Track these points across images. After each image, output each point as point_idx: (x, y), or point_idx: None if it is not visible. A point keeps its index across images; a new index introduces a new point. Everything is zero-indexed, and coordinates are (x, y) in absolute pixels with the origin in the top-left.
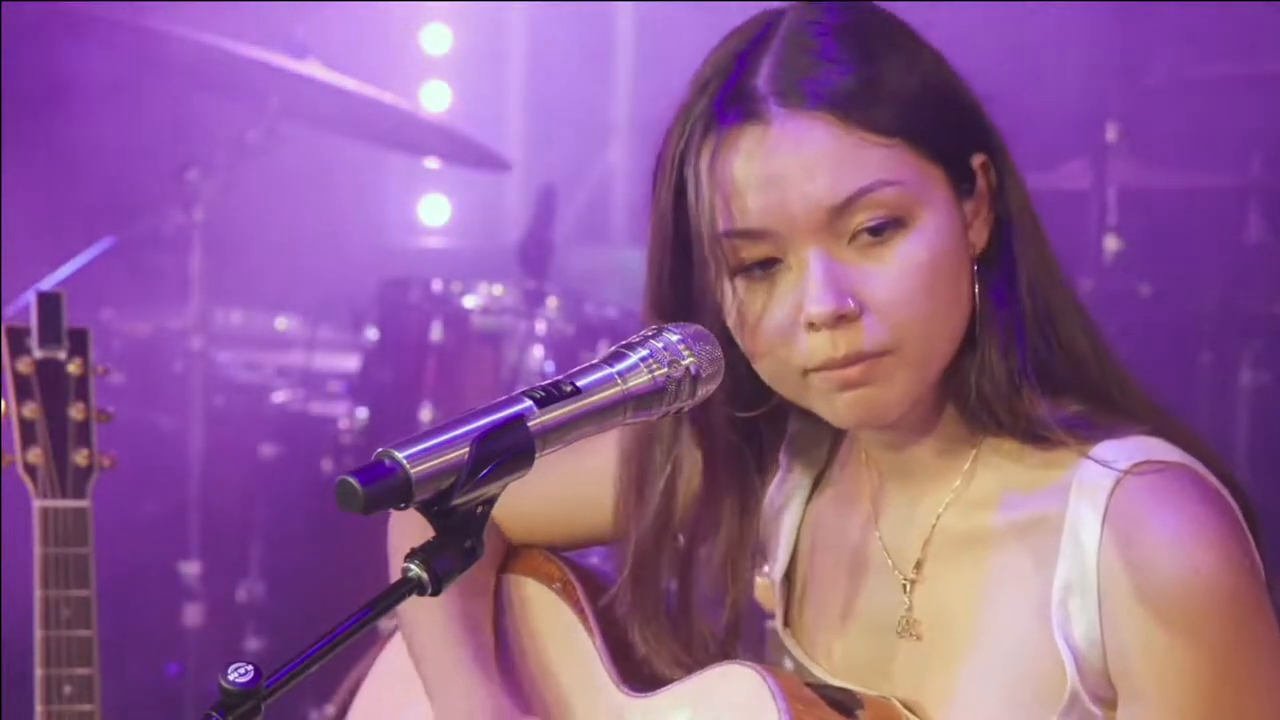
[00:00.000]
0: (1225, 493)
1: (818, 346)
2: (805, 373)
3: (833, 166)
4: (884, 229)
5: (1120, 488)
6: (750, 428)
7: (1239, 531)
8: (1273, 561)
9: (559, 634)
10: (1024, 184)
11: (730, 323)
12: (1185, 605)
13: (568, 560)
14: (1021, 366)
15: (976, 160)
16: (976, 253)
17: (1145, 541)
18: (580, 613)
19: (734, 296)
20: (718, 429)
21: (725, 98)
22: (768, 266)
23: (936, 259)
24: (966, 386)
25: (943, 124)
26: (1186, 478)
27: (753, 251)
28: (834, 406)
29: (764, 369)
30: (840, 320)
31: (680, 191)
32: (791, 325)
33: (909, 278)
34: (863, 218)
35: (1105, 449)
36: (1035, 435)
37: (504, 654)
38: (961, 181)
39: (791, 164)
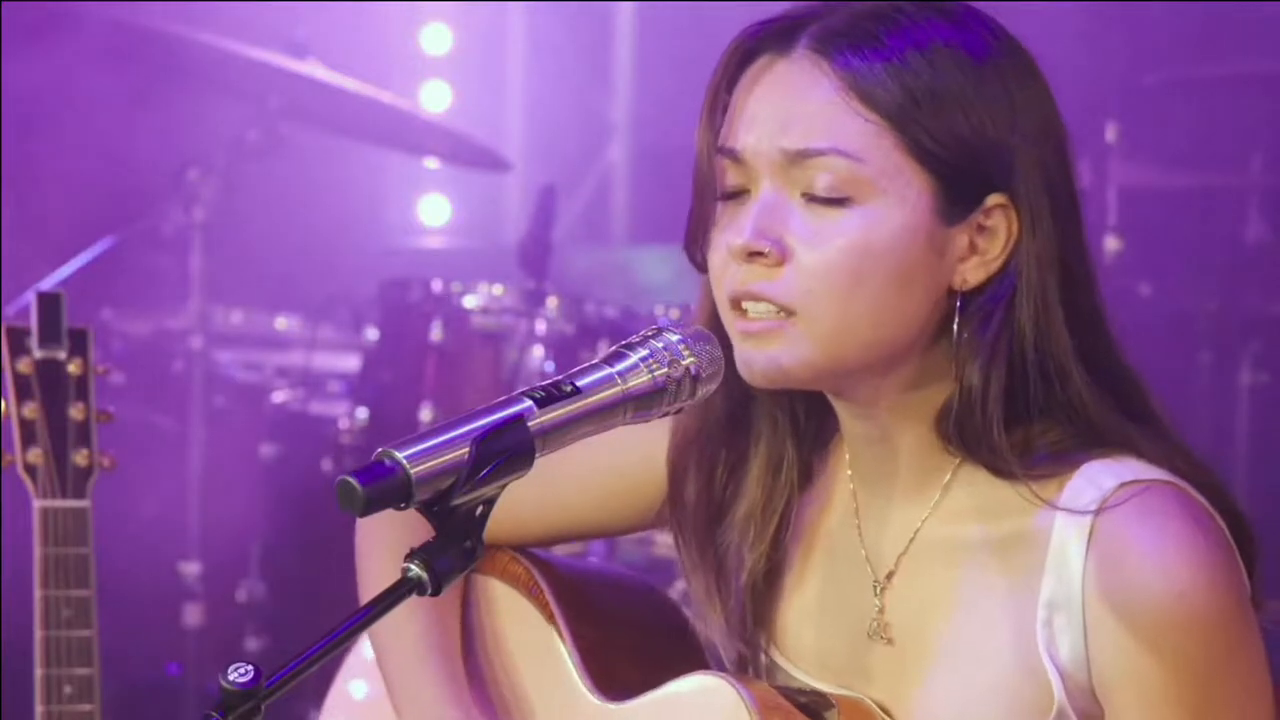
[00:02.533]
0: (1213, 511)
1: (730, 274)
2: (729, 309)
3: (808, 117)
4: (830, 195)
5: (1107, 506)
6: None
7: (1226, 552)
8: (1275, 568)
9: (528, 638)
10: (1055, 252)
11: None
12: (1169, 628)
13: (534, 559)
14: (998, 412)
15: (992, 199)
16: (961, 286)
17: (1130, 562)
18: (549, 616)
19: (714, 219)
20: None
21: (773, 29)
22: (738, 195)
23: (873, 249)
24: (947, 413)
25: (954, 140)
26: (1173, 496)
27: (730, 174)
28: (739, 357)
29: (716, 301)
30: (754, 257)
31: (712, 113)
32: (728, 256)
33: (832, 249)
34: (813, 175)
35: (1094, 468)
36: (1007, 474)
37: (471, 660)
38: (955, 205)
39: (781, 100)
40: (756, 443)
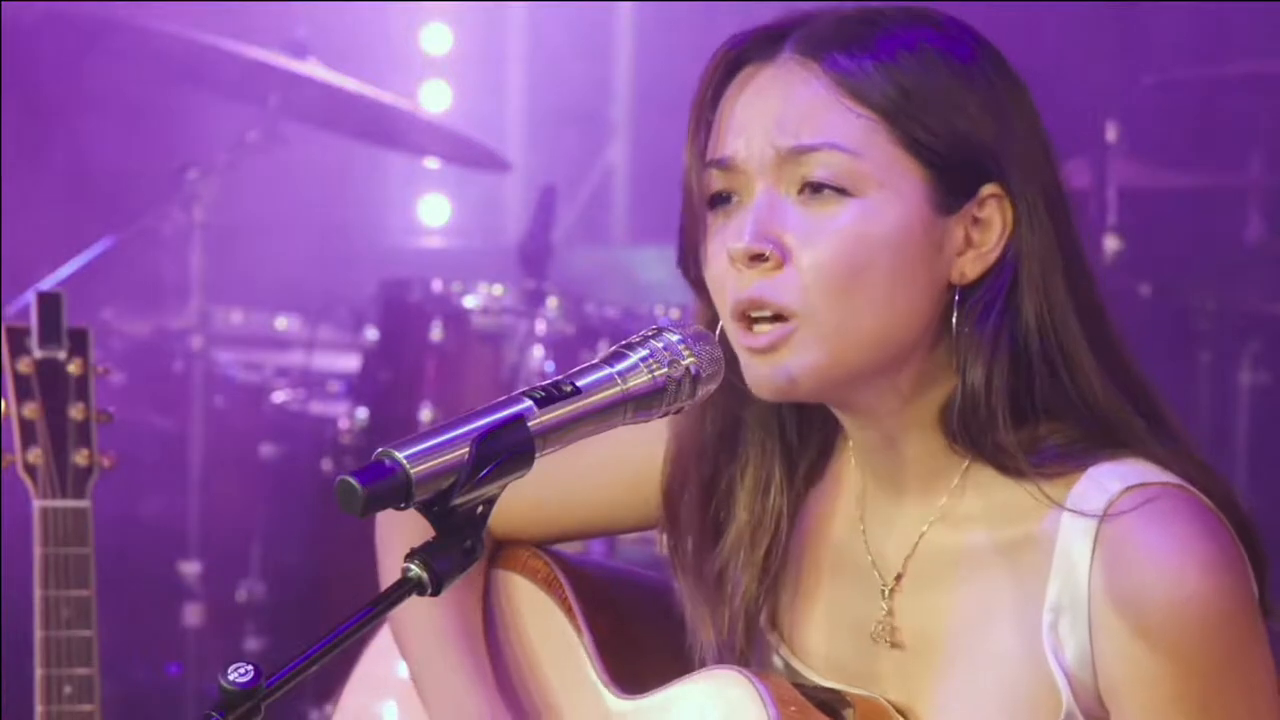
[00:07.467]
0: (1220, 515)
1: (733, 282)
2: (734, 322)
3: (801, 115)
4: (825, 190)
5: (1113, 509)
6: (778, 409)
7: (1232, 555)
8: (1276, 568)
9: (548, 633)
10: (1053, 242)
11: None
12: (1176, 631)
13: (554, 555)
14: (1003, 408)
15: (986, 189)
16: (959, 280)
17: (1136, 565)
18: (568, 610)
19: (706, 233)
20: (740, 404)
21: (756, 39)
22: (729, 201)
23: (871, 241)
24: (951, 411)
25: (948, 132)
26: (1180, 499)
27: (721, 183)
28: (748, 372)
29: (720, 314)
30: (756, 261)
31: (698, 129)
32: (729, 263)
33: (830, 244)
34: (808, 172)
35: (1100, 471)
36: (1015, 472)
37: (493, 653)
38: (950, 196)
39: (771, 103)
40: (744, 467)
